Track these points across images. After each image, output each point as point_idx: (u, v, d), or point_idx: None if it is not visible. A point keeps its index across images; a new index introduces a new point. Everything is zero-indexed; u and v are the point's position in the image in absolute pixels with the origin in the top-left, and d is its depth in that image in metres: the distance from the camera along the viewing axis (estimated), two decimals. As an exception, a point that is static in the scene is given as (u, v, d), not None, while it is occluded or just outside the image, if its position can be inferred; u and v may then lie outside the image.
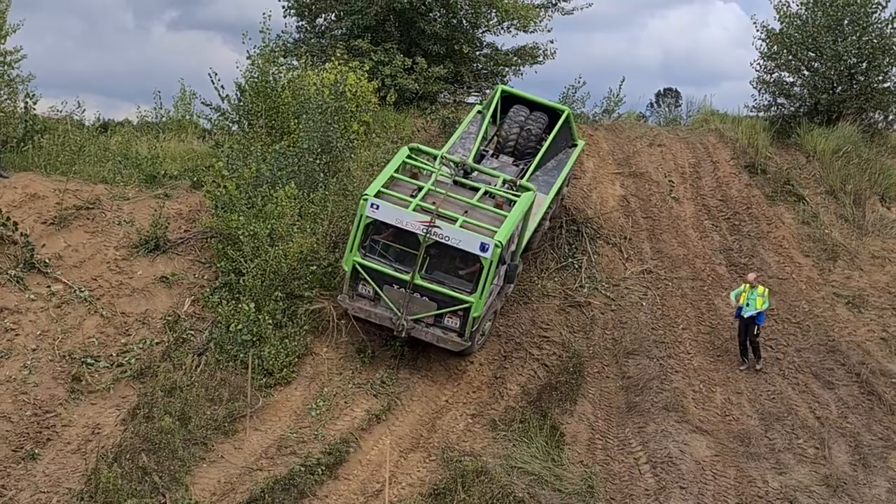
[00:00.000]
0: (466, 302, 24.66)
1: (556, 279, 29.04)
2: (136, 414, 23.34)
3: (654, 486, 23.84)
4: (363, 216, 24.79)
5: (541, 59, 39.59)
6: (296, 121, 31.07)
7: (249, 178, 27.76)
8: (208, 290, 26.50)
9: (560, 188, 29.58)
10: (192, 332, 25.50)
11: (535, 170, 29.07)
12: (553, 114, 30.90)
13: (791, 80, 38.42)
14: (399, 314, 24.87)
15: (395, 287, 24.97)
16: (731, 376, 26.98)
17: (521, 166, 29.56)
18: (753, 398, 26.58)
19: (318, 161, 29.15)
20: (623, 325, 27.99)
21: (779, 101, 38.62)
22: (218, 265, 26.87)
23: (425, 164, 26.54)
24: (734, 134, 36.68)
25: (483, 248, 24.37)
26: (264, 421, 23.67)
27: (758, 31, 38.34)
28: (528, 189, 26.19)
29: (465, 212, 25.05)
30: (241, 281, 25.95)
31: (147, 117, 39.05)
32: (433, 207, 24.75)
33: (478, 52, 39.28)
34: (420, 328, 25.00)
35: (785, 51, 37.85)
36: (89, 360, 24.53)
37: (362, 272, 25.07)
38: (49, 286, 25.89)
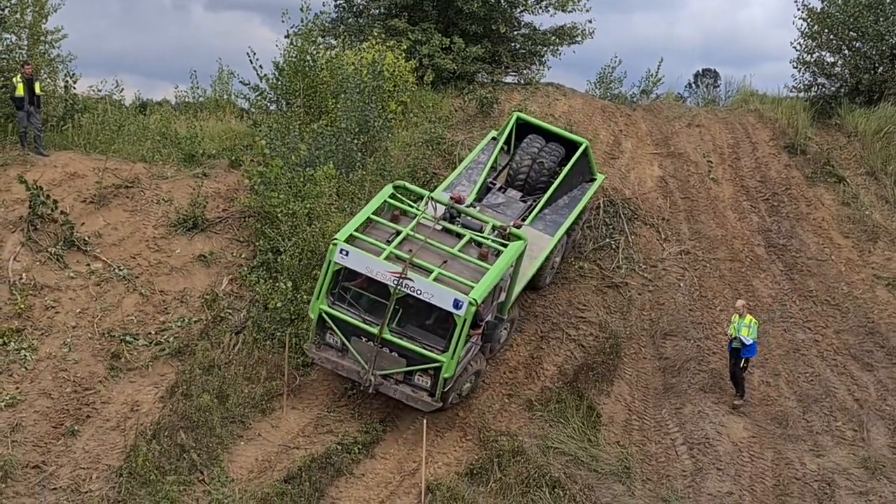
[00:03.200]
0: (437, 361, 22.64)
1: (593, 260, 28.95)
2: (175, 392, 23.49)
3: (691, 467, 23.79)
4: (331, 262, 22.82)
5: (579, 38, 39.39)
6: (334, 100, 31.09)
7: (298, 159, 27.75)
8: (246, 268, 26.61)
9: (570, 227, 27.60)
10: (229, 310, 25.62)
11: (544, 207, 27.15)
12: (571, 146, 28.65)
13: (832, 59, 38.09)
14: (367, 368, 23.03)
15: (364, 340, 23.04)
16: (768, 358, 26.84)
17: (528, 203, 27.70)
18: (791, 380, 26.45)
19: (355, 141, 29.16)
20: (660, 306, 27.90)
21: (819, 81, 38.30)
22: (256, 244, 26.96)
23: (409, 204, 24.45)
24: (774, 114, 36.43)
25: (456, 304, 22.13)
26: (301, 399, 23.76)
27: (798, 10, 38.05)
28: (518, 238, 24.06)
29: (445, 262, 22.97)
30: (278, 260, 26.03)
31: (185, 97, 39.23)
32: (408, 256, 22.73)
33: (515, 32, 39.13)
34: (388, 385, 23.07)
35: (826, 30, 37.52)
36: (128, 338, 24.69)
37: (329, 322, 23.20)
38: (88, 264, 26.06)
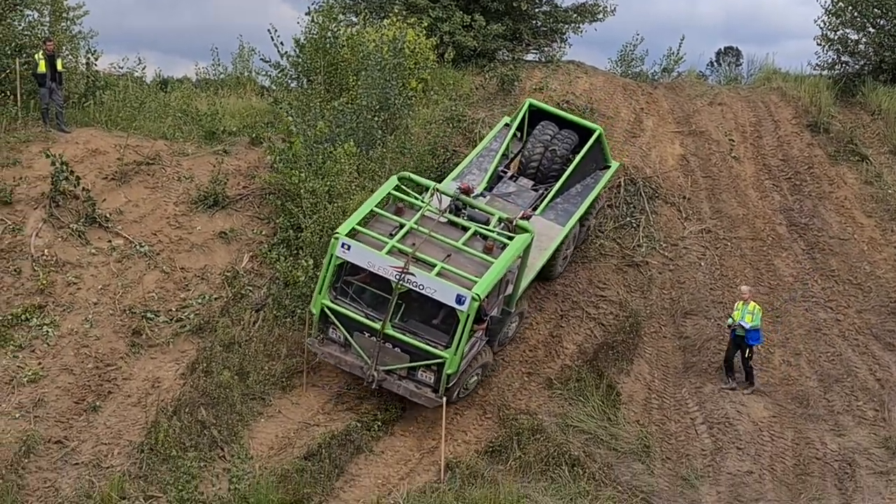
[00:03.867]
0: (440, 357, 22.34)
1: (613, 238, 28.89)
2: (196, 368, 23.58)
3: (711, 446, 23.79)
4: (333, 256, 22.58)
5: (600, 16, 39.18)
6: (354, 78, 31.05)
7: (318, 136, 27.73)
8: (266, 245, 26.65)
9: (583, 216, 27.15)
10: (250, 287, 25.68)
11: (556, 196, 26.63)
12: (584, 132, 28.01)
13: (856, 37, 37.80)
14: (370, 364, 22.77)
15: (367, 335, 22.76)
16: (789, 337, 26.78)
17: (540, 191, 27.16)
18: (812, 360, 26.38)
19: (376, 118, 29.13)
20: (681, 285, 27.85)
21: (843, 58, 38.02)
22: (276, 221, 27.00)
23: (414, 196, 24.11)
24: (796, 92, 36.22)
25: (459, 300, 21.82)
26: (321, 377, 23.82)
27: (822, -13, 37.77)
28: (525, 231, 23.56)
29: (448, 256, 22.66)
30: (299, 237, 26.06)
31: (206, 74, 39.26)
32: (410, 251, 22.44)
33: (537, 9, 38.95)
34: (392, 380, 22.80)
35: (850, 7, 37.23)
36: (149, 315, 24.78)
37: (331, 316, 22.95)
38: (110, 241, 26.15)
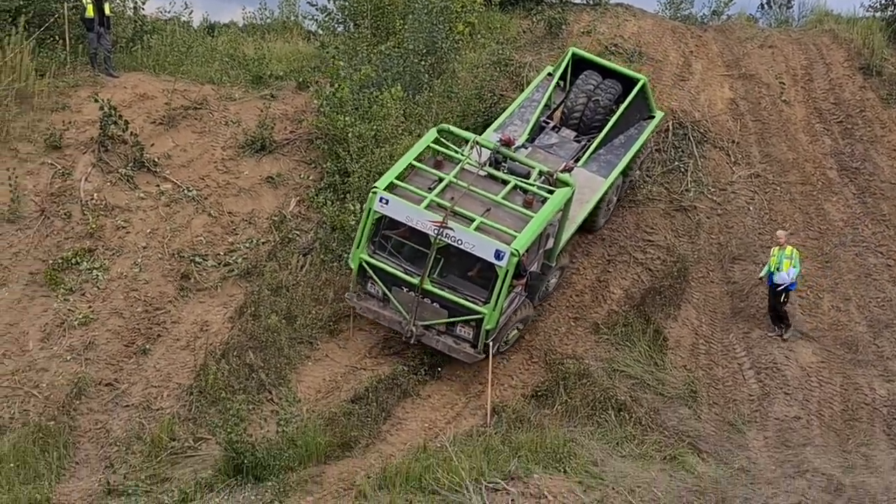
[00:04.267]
0: (479, 313, 22.18)
1: (661, 183, 28.70)
2: (243, 312, 23.73)
3: (758, 391, 23.72)
4: (371, 210, 22.40)
5: (650, -43, 38.77)
6: (401, 21, 30.91)
7: (364, 80, 27.66)
8: (313, 190, 26.68)
9: (627, 168, 26.83)
10: (297, 232, 25.75)
11: (599, 147, 26.33)
12: (628, 82, 27.49)
13: (910, -22, 37.17)
14: (408, 319, 22.67)
15: (405, 290, 22.66)
16: (839, 282, 26.58)
17: (582, 143, 26.72)
18: (862, 305, 26.19)
19: (423, 62, 29.02)
20: (729, 230, 27.66)
21: (896, 0, 37.44)
22: (323, 166, 27.01)
23: (453, 150, 23.84)
24: (849, 35, 35.69)
25: (498, 255, 21.59)
26: (368, 321, 23.89)
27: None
28: (565, 184, 23.32)
29: (488, 210, 22.39)
30: (346, 181, 26.07)
31: (253, 19, 39.19)
32: (449, 205, 22.16)
33: (585, -49, 38.58)
34: (431, 335, 22.70)
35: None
36: (197, 259, 24.92)
37: (369, 271, 22.83)
38: (158, 185, 26.28)
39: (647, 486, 19.82)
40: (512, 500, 18.87)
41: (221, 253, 25.19)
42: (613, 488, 19.48)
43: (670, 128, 29.76)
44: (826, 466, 21.38)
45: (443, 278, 22.41)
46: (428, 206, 22.12)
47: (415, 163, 23.25)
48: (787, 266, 24.41)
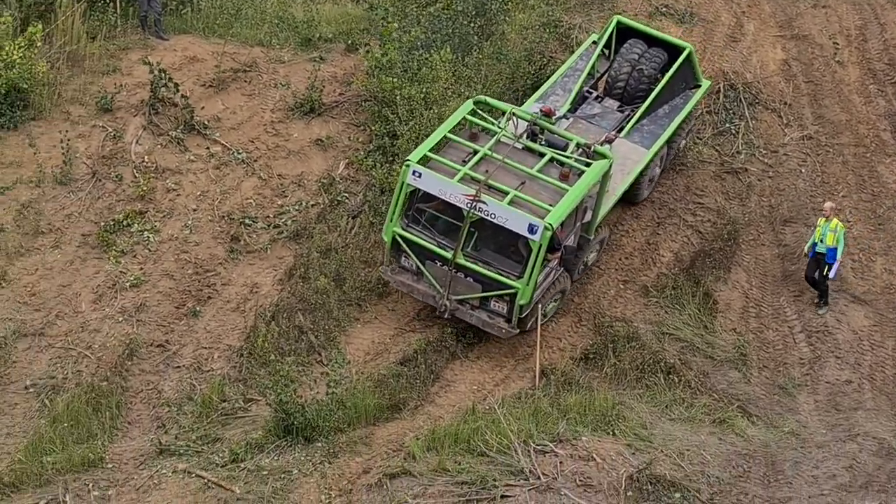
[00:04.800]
0: (512, 288, 21.94)
1: (712, 145, 28.47)
2: (293, 274, 23.85)
3: (809, 355, 23.60)
4: (404, 183, 22.16)
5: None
6: (450, -18, 30.75)
7: (413, 41, 27.57)
8: (362, 152, 26.70)
9: (671, 138, 26.20)
10: (346, 194, 25.79)
11: (642, 117, 25.76)
12: (674, 51, 26.77)
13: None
14: (442, 293, 22.46)
15: (439, 264, 22.40)
16: (891, 245, 26.30)
17: (626, 113, 26.16)
18: (915, 268, 25.93)
19: (472, 24, 28.87)
20: (780, 192, 27.43)
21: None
22: (372, 128, 27.01)
23: (489, 121, 23.49)
24: (904, -6, 35.16)
25: (531, 229, 21.30)
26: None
27: None
28: (603, 156, 23.02)
29: (522, 183, 22.02)
30: (395, 144, 26.06)
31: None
32: (483, 178, 21.92)
33: None
34: (465, 310, 22.50)
35: None
36: (247, 221, 25.04)
37: (403, 245, 22.57)
38: (208, 148, 26.40)
39: (696, 449, 19.80)
40: (560, 462, 18.93)
41: (271, 215, 25.28)
42: (662, 451, 19.48)
43: (721, 89, 29.47)
44: (877, 430, 21.25)
45: (477, 252, 22.17)
46: (461, 180, 21.89)
47: (449, 135, 22.99)
48: (830, 239, 23.98)
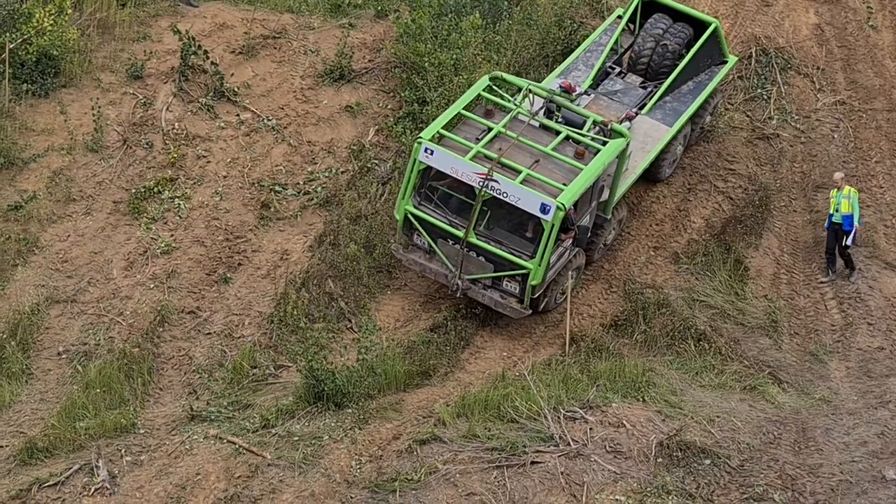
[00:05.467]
0: (524, 267, 21.66)
1: (743, 111, 28.28)
2: (323, 241, 23.89)
3: (841, 321, 23.49)
4: (416, 161, 21.88)
5: None
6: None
7: (440, 8, 27.45)
8: (392, 119, 26.66)
9: (695, 115, 25.80)
10: (376, 161, 25.78)
11: (665, 94, 25.35)
12: (700, 25, 26.22)
13: None
14: (454, 272, 22.23)
15: (451, 242, 22.14)
16: (925, 212, 26.14)
17: (649, 89, 25.68)
18: (949, 234, 25.73)
19: (502, -11, 28.76)
20: (812, 158, 27.25)
21: None
22: (402, 94, 26.95)
23: (505, 98, 23.06)
24: (939, -43, 34.77)
25: (543, 209, 21.01)
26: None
27: None
28: (620, 135, 22.68)
29: (536, 162, 21.72)
30: (424, 110, 26.00)
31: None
32: (495, 156, 21.60)
33: None
34: (477, 289, 22.23)
35: None
36: (277, 188, 25.08)
37: (415, 223, 22.29)
38: (238, 115, 26.42)
39: (727, 415, 19.77)
40: (590, 429, 18.95)
41: (301, 182, 25.32)
42: (692, 418, 19.46)
43: (753, 54, 29.25)
44: (909, 397, 21.18)
45: (489, 231, 21.92)
46: (474, 158, 21.62)
47: (464, 112, 22.64)
48: (845, 206, 23.77)
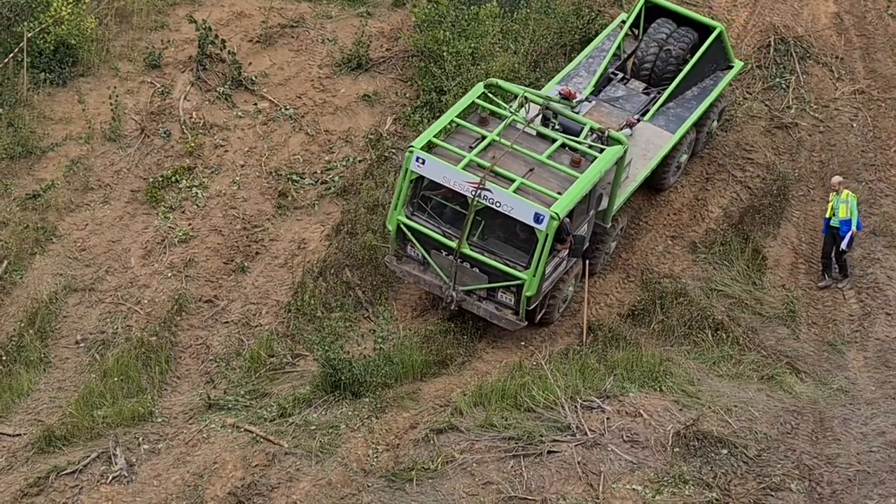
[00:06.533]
0: (518, 278, 21.08)
1: (761, 100, 28.19)
2: (340, 230, 23.91)
3: (859, 311, 23.42)
4: (408, 170, 21.31)
5: None
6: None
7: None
8: (409, 108, 26.65)
9: (699, 121, 25.29)
10: (393, 150, 25.77)
11: (668, 100, 24.77)
12: (705, 31, 25.67)
13: None
14: (448, 283, 21.66)
15: (444, 253, 21.59)
16: (944, 202, 26.02)
17: (652, 95, 25.14)
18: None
19: (519, -22, 28.70)
20: (831, 148, 27.15)
21: None
22: (419, 83, 26.94)
23: (500, 105, 22.50)
24: (960, -55, 34.57)
25: (537, 218, 20.42)
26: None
27: None
28: (618, 142, 22.05)
29: (531, 170, 21.18)
30: (442, 100, 25.99)
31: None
32: (488, 164, 21.02)
33: None
34: (472, 301, 21.69)
35: None
36: (295, 177, 25.10)
37: (408, 234, 21.76)
38: (255, 104, 26.45)
39: (744, 405, 19.75)
40: (607, 419, 18.94)
41: (318, 171, 25.33)
42: (710, 407, 19.44)
43: (772, 43, 29.14)
44: (927, 387, 21.12)
45: (483, 242, 21.43)
46: (466, 167, 21.05)
47: (457, 119, 22.11)
48: (843, 211, 23.26)
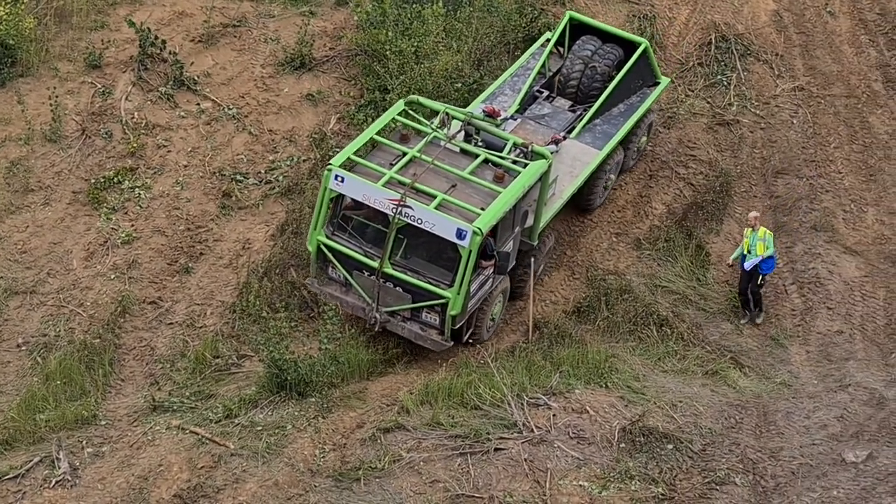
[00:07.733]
0: (442, 297, 20.66)
1: (703, 97, 28.41)
2: (285, 230, 23.84)
3: (801, 306, 23.65)
4: (326, 189, 20.95)
5: None
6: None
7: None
8: (353, 107, 26.61)
9: (626, 138, 25.01)
10: (337, 149, 25.63)
11: (594, 117, 24.50)
12: (630, 47, 25.44)
13: None
14: (371, 305, 21.24)
15: (367, 274, 21.15)
16: (883, 196, 26.30)
17: (578, 112, 24.83)
18: (907, 219, 25.95)
19: (462, -24, 28.70)
20: (772, 144, 27.40)
21: None
22: (363, 82, 26.90)
23: (421, 122, 22.21)
24: (896, -56, 34.99)
25: (460, 234, 19.99)
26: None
27: None
28: (541, 156, 21.70)
29: (453, 186, 20.81)
30: (386, 98, 25.96)
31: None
32: (409, 181, 20.66)
33: None
34: (395, 322, 21.23)
35: None
36: (238, 177, 24.99)
37: (328, 254, 21.40)
38: (198, 103, 26.29)
39: (689, 400, 19.89)
40: (553, 415, 19.01)
41: (262, 171, 25.23)
42: (655, 403, 19.57)
43: (713, 41, 29.35)
44: (868, 380, 21.33)
45: (406, 260, 21.02)
46: (387, 184, 20.68)
47: (377, 137, 21.82)
48: (760, 248, 22.83)
